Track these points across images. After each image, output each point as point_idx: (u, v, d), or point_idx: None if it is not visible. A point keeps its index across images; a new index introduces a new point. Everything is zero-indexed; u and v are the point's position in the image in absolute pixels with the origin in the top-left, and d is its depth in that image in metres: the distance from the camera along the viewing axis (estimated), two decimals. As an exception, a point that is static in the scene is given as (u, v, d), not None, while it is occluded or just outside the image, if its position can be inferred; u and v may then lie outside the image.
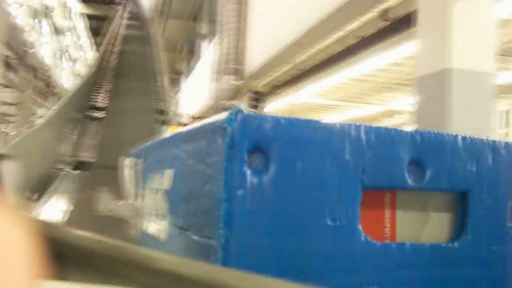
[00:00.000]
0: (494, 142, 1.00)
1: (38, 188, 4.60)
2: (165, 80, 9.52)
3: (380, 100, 19.49)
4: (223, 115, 0.84)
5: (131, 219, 1.65)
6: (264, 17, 11.39)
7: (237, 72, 12.65)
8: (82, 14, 19.34)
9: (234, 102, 12.36)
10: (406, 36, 7.87)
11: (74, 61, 16.97)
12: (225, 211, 0.81)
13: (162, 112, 8.69)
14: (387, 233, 0.95)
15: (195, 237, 0.90)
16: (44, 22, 11.30)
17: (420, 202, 0.98)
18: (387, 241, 0.94)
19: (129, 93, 9.74)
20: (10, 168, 0.61)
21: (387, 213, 0.95)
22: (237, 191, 0.81)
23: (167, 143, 1.18)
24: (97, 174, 5.58)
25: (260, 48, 11.47)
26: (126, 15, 20.13)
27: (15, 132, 10.45)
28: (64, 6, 14.37)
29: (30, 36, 9.75)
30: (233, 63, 12.63)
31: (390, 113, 21.42)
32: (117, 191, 1.94)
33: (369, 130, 0.93)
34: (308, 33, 8.53)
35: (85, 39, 21.10)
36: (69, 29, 16.35)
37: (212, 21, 16.93)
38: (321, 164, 0.87)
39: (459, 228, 0.99)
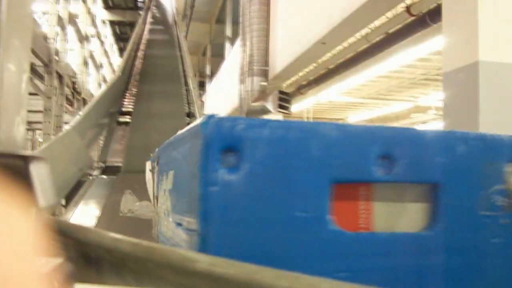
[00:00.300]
0: (466, 134, 1.08)
1: (66, 193, 4.61)
2: (192, 82, 9.52)
3: (408, 96, 19.40)
4: (200, 119, 0.95)
5: (151, 219, 1.75)
6: (287, 16, 11.37)
7: (262, 73, 12.65)
8: (106, 20, 19.48)
9: (259, 103, 12.35)
10: (432, 30, 7.80)
11: (100, 67, 17.07)
12: (201, 206, 0.91)
13: (189, 114, 8.69)
14: (362, 223, 1.02)
15: (186, 232, 1.01)
16: (69, 29, 11.37)
17: (395, 193, 1.04)
18: (361, 231, 1.01)
19: (155, 97, 9.77)
20: (40, 170, 0.59)
21: (362, 205, 1.02)
22: (211, 187, 0.92)
23: (170, 145, 1.29)
24: (125, 178, 5.59)
25: (284, 48, 11.44)
26: (149, 19, 20.22)
27: (42, 139, 10.54)
28: (89, 13, 14.46)
29: (56, 44, 9.81)
30: (257, 64, 12.62)
31: (420, 109, 21.28)
32: (144, 194, 1.98)
33: (337, 127, 1.00)
34: (332, 31, 8.49)
35: (110, 45, 21.24)
36: (94, 36, 16.46)
37: (236, 23, 16.95)
38: (291, 161, 0.96)
39: (432, 217, 1.05)
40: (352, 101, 21.15)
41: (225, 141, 0.93)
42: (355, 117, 26.32)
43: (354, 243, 0.99)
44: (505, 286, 1.08)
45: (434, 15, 7.38)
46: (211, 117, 0.93)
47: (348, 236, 0.99)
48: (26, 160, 0.55)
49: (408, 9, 8.06)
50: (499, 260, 1.07)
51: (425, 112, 21.12)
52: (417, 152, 1.04)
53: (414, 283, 1.03)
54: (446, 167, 1.05)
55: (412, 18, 8.06)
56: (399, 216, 1.05)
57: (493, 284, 1.08)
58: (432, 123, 23.88)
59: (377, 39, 9.44)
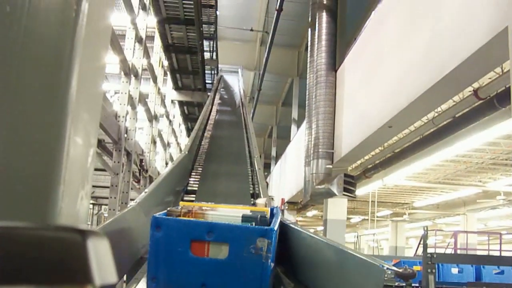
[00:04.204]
0: (243, 226, 3.97)
1: (128, 269, 4.62)
2: (257, 163, 9.54)
3: (476, 181, 19.03)
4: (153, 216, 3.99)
5: None
6: (353, 100, 11.41)
7: (327, 155, 12.63)
8: (175, 100, 19.92)
9: (324, 186, 12.28)
10: (501, 114, 7.68)
11: (167, 145, 17.37)
12: (149, 247, 3.85)
13: (254, 195, 8.68)
14: (206, 254, 3.72)
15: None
16: (140, 108, 11.66)
17: (219, 244, 3.72)
18: (204, 257, 3.73)
19: (220, 177, 9.82)
20: (98, 246, 0.56)
21: (206, 247, 3.73)
22: (152, 239, 3.80)
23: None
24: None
25: (350, 131, 11.44)
26: (217, 100, 20.60)
27: (108, 215, 10.66)
28: (159, 93, 14.84)
29: (126, 122, 10.06)
30: (323, 147, 12.63)
31: (488, 195, 20.80)
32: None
33: (194, 222, 3.94)
34: (399, 115, 8.44)
35: (178, 124, 21.65)
36: (163, 115, 16.83)
37: (302, 106, 17.10)
38: (177, 231, 3.79)
39: (229, 253, 3.68)
40: (418, 186, 20.85)
41: (156, 223, 3.79)
42: (420, 203, 25.85)
43: (200, 261, 3.70)
44: (248, 284, 3.69)
45: (502, 98, 7.28)
46: (154, 216, 3.85)
47: (197, 258, 3.70)
48: (83, 235, 0.53)
49: (475, 92, 7.98)
50: (253, 271, 3.67)
51: (494, 197, 20.66)
52: (221, 231, 3.74)
53: (225, 279, 3.69)
54: (234, 237, 3.72)
55: (480, 101, 7.96)
56: (219, 252, 3.70)
57: (251, 277, 3.68)
58: (501, 209, 23.24)
59: (444, 122, 9.35)
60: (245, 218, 4.07)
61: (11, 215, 0.96)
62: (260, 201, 5.43)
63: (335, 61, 12.85)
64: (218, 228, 3.74)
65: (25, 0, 1.11)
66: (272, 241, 3.69)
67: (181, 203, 4.45)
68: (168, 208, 4.32)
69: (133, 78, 10.60)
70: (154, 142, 14.46)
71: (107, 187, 10.43)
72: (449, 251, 19.49)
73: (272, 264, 3.79)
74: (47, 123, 1.06)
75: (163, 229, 3.75)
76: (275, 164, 29.30)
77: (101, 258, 0.54)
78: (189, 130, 23.57)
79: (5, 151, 1.00)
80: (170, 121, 18.00)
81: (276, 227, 3.87)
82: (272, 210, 4.65)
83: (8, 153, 1.01)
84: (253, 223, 4.08)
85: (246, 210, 4.38)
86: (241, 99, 21.63)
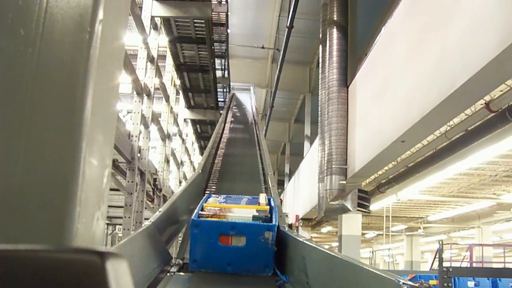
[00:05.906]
0: (255, 224, 5.77)
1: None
2: (271, 180, 9.52)
3: (491, 194, 18.91)
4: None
5: None
6: (365, 115, 11.38)
7: (341, 171, 12.59)
8: (188, 119, 19.93)
9: (338, 202, 12.23)
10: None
11: (181, 164, 17.36)
12: (190, 239, 5.72)
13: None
14: (229, 243, 5.59)
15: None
16: (152, 127, 11.68)
17: (239, 236, 5.59)
18: (229, 245, 5.58)
19: (234, 194, 9.82)
20: (118, 267, 0.56)
21: (230, 239, 5.60)
22: (192, 234, 5.65)
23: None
24: (202, 276, 5.61)
25: (363, 146, 11.41)
26: (230, 118, 20.59)
27: (122, 234, 10.64)
28: (171, 112, 14.87)
29: (139, 141, 10.08)
30: (336, 163, 12.60)
31: (503, 207, 20.65)
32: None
33: (220, 222, 5.77)
34: (411, 129, 8.42)
35: (191, 143, 21.65)
36: (176, 134, 16.83)
37: (314, 122, 17.07)
38: (209, 227, 5.68)
39: (245, 241, 5.61)
40: (433, 200, 20.75)
41: (195, 223, 5.62)
42: (435, 217, 25.70)
43: (226, 247, 5.55)
44: (260, 261, 5.61)
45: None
46: (192, 219, 5.71)
47: (224, 246, 5.56)
48: (102, 256, 0.53)
49: (487, 105, 7.95)
50: (263, 253, 5.55)
51: (508, 209, 20.53)
52: (241, 227, 5.62)
53: (244, 259, 5.58)
54: (249, 231, 5.61)
55: (492, 114, 7.93)
56: (239, 241, 5.60)
57: (260, 259, 5.58)
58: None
59: (457, 136, 9.31)
60: (254, 218, 5.86)
61: (29, 237, 0.96)
62: (262, 199, 6.84)
63: (346, 77, 12.85)
64: (239, 226, 5.61)
65: (39, 23, 1.12)
66: (275, 232, 5.63)
67: (205, 204, 6.20)
68: (199, 212, 5.93)
69: (145, 97, 10.63)
70: (168, 161, 14.48)
71: (121, 206, 10.44)
72: (465, 264, 19.34)
73: (275, 248, 5.59)
74: (62, 145, 1.06)
75: (200, 227, 5.58)
76: (289, 181, 29.25)
77: (120, 280, 0.54)
78: (202, 149, 23.56)
79: (22, 173, 1.00)
80: (183, 140, 18.02)
81: (277, 223, 5.81)
82: (269, 200, 6.81)
83: (25, 175, 1.01)
84: (260, 220, 5.82)
85: (253, 210, 6.14)
86: (253, 116, 21.63)
